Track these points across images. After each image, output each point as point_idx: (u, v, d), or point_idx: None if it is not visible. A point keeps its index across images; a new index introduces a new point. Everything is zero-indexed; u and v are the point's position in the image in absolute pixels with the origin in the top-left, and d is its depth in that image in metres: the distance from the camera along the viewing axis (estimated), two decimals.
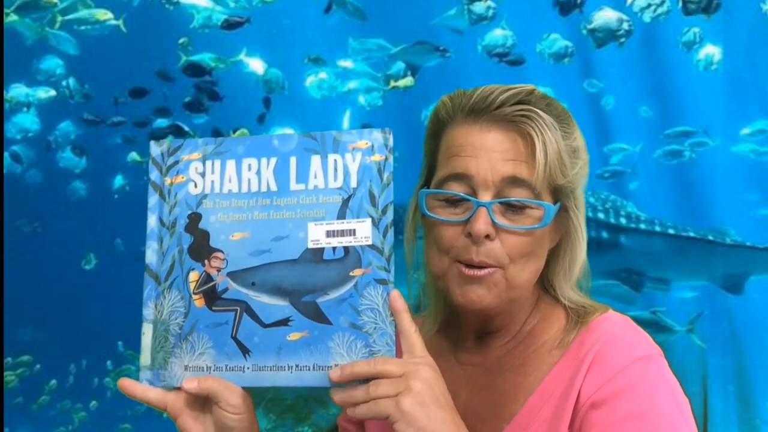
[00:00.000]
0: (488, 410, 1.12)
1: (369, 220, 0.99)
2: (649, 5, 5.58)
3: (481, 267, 1.06)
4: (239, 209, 1.02)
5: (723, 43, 7.58)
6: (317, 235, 0.99)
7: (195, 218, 1.03)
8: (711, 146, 8.23)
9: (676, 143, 8.35)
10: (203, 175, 1.04)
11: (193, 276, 1.02)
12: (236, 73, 7.16)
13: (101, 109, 7.13)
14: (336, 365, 0.96)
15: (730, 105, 10.13)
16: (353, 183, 1.00)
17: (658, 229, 5.51)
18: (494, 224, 1.04)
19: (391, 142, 1.03)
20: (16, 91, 7.15)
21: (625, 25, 5.19)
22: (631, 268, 5.43)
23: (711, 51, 7.41)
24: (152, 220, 1.04)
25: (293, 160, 1.02)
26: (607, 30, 5.19)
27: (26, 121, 7.81)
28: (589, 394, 1.01)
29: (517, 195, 1.05)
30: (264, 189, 1.02)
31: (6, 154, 7.77)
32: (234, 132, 6.75)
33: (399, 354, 0.97)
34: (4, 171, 7.70)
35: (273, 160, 1.03)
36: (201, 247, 1.02)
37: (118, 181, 8.71)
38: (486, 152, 1.05)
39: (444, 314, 1.26)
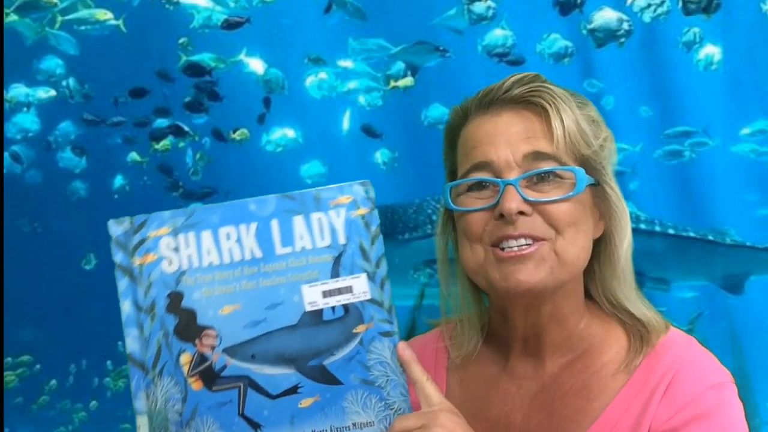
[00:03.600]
0: None
1: (364, 274, 0.96)
2: (649, 5, 5.57)
3: (522, 245, 1.00)
4: (225, 281, 0.96)
5: (723, 43, 7.58)
6: (313, 297, 0.96)
7: (176, 298, 0.96)
8: (711, 146, 8.24)
9: (676, 143, 8.36)
10: (177, 250, 0.96)
11: (185, 358, 0.95)
12: (236, 73, 7.16)
13: (101, 109, 7.12)
14: (354, 424, 0.94)
15: (730, 105, 10.13)
16: (341, 239, 0.96)
17: (658, 229, 5.50)
18: (526, 201, 0.99)
19: (372, 194, 0.98)
20: (16, 91, 7.13)
21: (625, 25, 5.17)
22: None
23: (711, 51, 7.41)
24: (126, 306, 0.96)
25: (275, 223, 0.97)
26: (607, 30, 5.18)
27: (26, 121, 7.80)
28: (660, 423, 0.98)
29: (543, 167, 1.01)
30: (248, 257, 0.96)
31: (6, 154, 7.76)
32: (234, 132, 6.75)
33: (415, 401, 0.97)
34: (4, 171, 7.70)
35: (253, 226, 0.97)
36: (188, 327, 0.96)
37: (118, 181, 8.71)
38: (502, 135, 1.02)
39: (483, 320, 1.18)
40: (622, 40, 5.22)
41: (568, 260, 1.01)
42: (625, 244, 1.07)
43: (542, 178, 1.00)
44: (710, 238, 5.50)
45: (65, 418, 8.12)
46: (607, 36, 5.20)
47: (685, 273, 5.86)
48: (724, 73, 8.28)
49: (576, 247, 1.01)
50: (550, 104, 1.00)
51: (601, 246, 1.07)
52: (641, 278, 5.42)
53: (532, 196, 0.99)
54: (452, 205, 1.06)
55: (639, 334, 1.05)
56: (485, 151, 1.03)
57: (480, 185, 1.03)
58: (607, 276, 1.08)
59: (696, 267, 5.70)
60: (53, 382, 7.69)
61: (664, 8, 5.56)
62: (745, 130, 8.61)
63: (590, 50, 5.88)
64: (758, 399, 8.62)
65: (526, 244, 1.00)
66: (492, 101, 1.05)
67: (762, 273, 5.66)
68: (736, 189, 10.92)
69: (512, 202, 0.98)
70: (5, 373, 6.55)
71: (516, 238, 0.99)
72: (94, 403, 8.01)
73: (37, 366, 7.43)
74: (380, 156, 7.77)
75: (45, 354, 7.80)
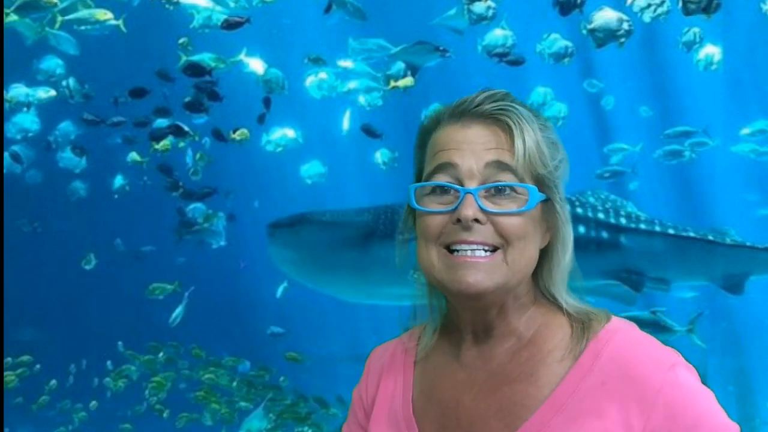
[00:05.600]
0: (498, 418, 1.13)
1: None
2: (649, 5, 5.57)
3: (475, 249, 1.08)
4: None
5: (723, 43, 7.57)
6: None
7: None
8: (711, 146, 8.24)
9: (676, 143, 8.35)
10: None
11: None
12: (236, 73, 7.15)
13: (101, 109, 7.11)
14: None
15: (730, 105, 10.14)
16: None
17: (658, 229, 5.49)
18: (482, 210, 1.08)
19: None
20: (16, 91, 7.12)
21: (625, 25, 5.17)
22: (631, 268, 5.41)
23: (711, 51, 7.40)
24: None
25: None
26: (607, 30, 5.18)
27: (26, 121, 7.79)
28: (641, 426, 1.04)
29: (502, 179, 1.10)
30: None
31: (6, 154, 7.76)
32: (234, 132, 6.74)
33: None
34: (4, 171, 7.69)
35: None
36: None
37: (118, 181, 8.71)
38: (469, 144, 1.12)
39: (441, 314, 1.27)
40: (622, 40, 5.21)
41: (517, 269, 1.11)
42: (567, 256, 1.18)
43: (499, 191, 1.10)
44: (710, 238, 5.50)
45: (65, 418, 8.11)
46: (607, 36, 5.19)
47: (685, 273, 5.86)
48: (724, 73, 8.28)
49: (524, 258, 1.11)
50: (515, 123, 1.11)
51: (544, 254, 1.18)
52: (641, 278, 5.44)
53: (488, 206, 1.09)
54: (415, 204, 1.14)
55: (581, 322, 1.14)
56: (451, 155, 1.12)
57: (442, 190, 1.12)
58: (546, 278, 1.19)
59: (696, 267, 5.70)
60: (53, 382, 7.68)
61: (664, 8, 5.55)
62: (745, 130, 8.61)
63: (590, 50, 5.87)
64: (758, 399, 8.63)
65: (481, 250, 1.09)
66: (463, 112, 1.15)
67: (762, 273, 5.65)
68: (736, 189, 10.92)
69: (469, 209, 1.08)
70: (5, 373, 6.54)
71: (470, 243, 1.08)
72: (94, 403, 8.00)
73: (37, 366, 7.42)
74: (380, 156, 7.77)
75: (45, 354, 7.79)
